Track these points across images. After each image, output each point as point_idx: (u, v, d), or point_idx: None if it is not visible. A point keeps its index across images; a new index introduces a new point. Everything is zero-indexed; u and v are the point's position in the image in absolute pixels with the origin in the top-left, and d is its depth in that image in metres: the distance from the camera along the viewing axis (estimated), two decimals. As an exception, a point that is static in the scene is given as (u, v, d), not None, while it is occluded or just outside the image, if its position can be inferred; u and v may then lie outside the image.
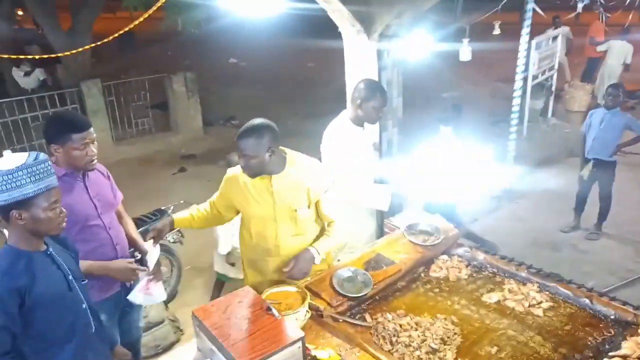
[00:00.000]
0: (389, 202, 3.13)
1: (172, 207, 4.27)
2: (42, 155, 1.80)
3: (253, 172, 2.40)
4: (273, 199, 2.46)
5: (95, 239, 2.45)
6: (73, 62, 8.93)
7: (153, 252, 2.62)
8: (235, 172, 2.57)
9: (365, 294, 2.44)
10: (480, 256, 2.79)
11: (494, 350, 2.11)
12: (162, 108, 8.92)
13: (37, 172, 1.76)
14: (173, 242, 4.20)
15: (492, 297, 2.46)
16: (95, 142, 2.44)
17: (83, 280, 2.02)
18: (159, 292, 2.61)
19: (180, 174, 7.36)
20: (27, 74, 9.90)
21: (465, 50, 5.61)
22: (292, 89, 11.78)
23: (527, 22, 6.29)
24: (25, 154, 1.79)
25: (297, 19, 11.60)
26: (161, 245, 4.01)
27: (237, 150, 2.36)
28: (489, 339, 2.18)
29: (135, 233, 2.76)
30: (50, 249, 1.91)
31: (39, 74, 9.95)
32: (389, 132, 3.67)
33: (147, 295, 2.55)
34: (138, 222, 3.72)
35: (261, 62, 14.46)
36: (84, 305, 1.98)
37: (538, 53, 7.42)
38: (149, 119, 8.49)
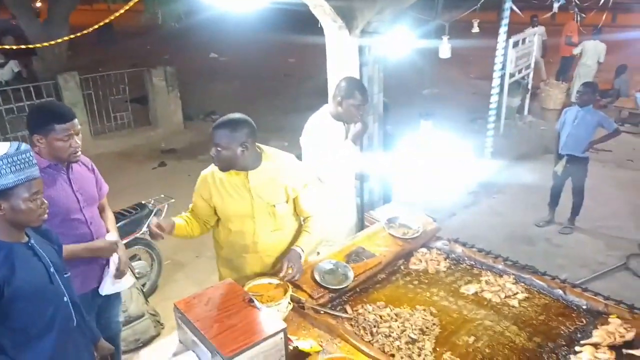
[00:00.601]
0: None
1: (152, 201, 4.23)
2: (24, 146, 1.78)
3: (223, 164, 2.38)
4: (250, 195, 2.43)
5: (75, 233, 2.44)
6: (49, 53, 8.73)
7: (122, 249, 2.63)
8: (207, 171, 2.53)
9: (346, 286, 2.47)
10: (459, 249, 2.85)
11: (471, 339, 2.16)
12: (142, 102, 8.80)
13: (18, 162, 1.73)
14: (153, 237, 4.15)
15: (469, 289, 2.52)
16: (80, 134, 2.41)
17: (65, 273, 1.99)
18: (126, 278, 2.64)
19: (160, 168, 7.29)
20: (0, 65, 9.63)
21: (445, 48, 5.67)
22: (273, 84, 11.74)
23: (505, 21, 6.40)
24: (7, 144, 1.76)
25: (279, 14, 11.54)
26: (142, 239, 4.02)
27: (212, 141, 2.33)
28: (466, 329, 2.23)
29: (112, 227, 2.72)
30: (32, 241, 1.89)
31: (13, 65, 9.68)
32: (370, 127, 3.70)
33: (115, 283, 2.58)
34: (118, 215, 3.67)
35: (242, 57, 14.37)
36: (65, 298, 1.96)
37: (515, 51, 7.55)
38: (128, 113, 8.36)
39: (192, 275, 4.59)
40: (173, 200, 4.41)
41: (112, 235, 2.62)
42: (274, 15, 10.09)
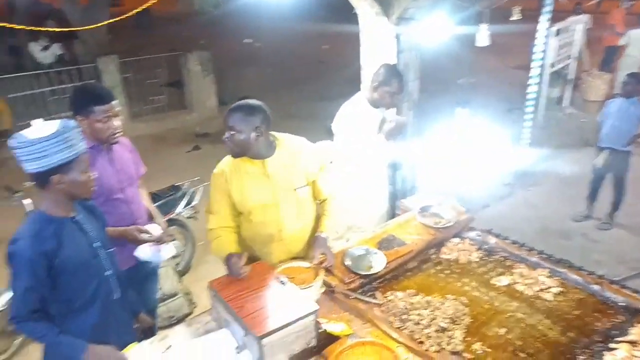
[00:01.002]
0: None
1: (186, 183, 4.32)
2: (72, 122, 1.87)
3: (236, 149, 2.34)
4: (271, 182, 2.40)
5: (116, 212, 2.50)
6: (90, 37, 8.99)
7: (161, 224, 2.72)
8: (219, 168, 2.48)
9: (377, 273, 2.48)
10: (492, 240, 2.81)
11: (502, 331, 2.14)
12: (177, 86, 8.94)
13: (72, 137, 1.82)
14: (188, 218, 4.26)
15: (501, 280, 2.49)
16: (120, 116, 2.47)
17: (109, 248, 2.08)
18: (166, 249, 2.63)
19: (194, 152, 7.42)
20: (44, 48, 9.92)
21: (483, 35, 5.51)
22: (306, 70, 11.73)
23: (548, 9, 6.18)
24: (56, 122, 1.84)
25: (314, 0, 11.52)
26: (176, 220, 4.12)
27: (226, 125, 2.32)
28: (497, 321, 2.21)
29: (148, 203, 2.80)
30: (78, 216, 1.98)
31: (56, 48, 9.97)
32: (404, 115, 3.67)
33: (157, 253, 2.58)
34: (153, 197, 3.77)
35: (276, 43, 14.39)
36: (107, 273, 2.04)
37: (557, 40, 7.30)
38: (164, 96, 8.53)
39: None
40: (207, 183, 4.48)
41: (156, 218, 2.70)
42: (309, 1, 10.06)
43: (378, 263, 2.53)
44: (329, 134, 3.22)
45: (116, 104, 2.43)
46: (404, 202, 3.31)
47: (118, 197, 2.52)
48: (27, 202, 3.35)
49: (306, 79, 10.92)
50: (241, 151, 2.35)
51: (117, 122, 2.44)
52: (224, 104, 9.18)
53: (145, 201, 2.80)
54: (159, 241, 2.58)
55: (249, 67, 11.88)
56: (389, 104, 3.12)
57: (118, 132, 2.46)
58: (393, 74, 3.08)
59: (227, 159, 2.47)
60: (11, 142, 1.79)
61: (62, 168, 1.82)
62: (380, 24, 3.56)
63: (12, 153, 1.81)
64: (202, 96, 8.65)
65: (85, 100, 2.36)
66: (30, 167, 1.80)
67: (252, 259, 2.51)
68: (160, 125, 8.30)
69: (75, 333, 1.96)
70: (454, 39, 3.78)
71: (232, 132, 2.31)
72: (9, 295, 3.20)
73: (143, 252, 2.56)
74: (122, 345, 2.02)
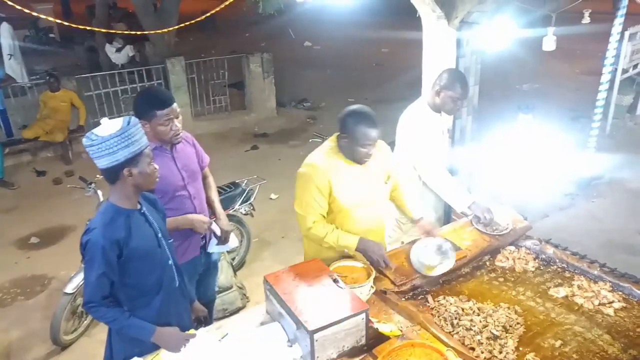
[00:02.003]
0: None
1: (245, 181, 4.46)
2: (134, 119, 1.98)
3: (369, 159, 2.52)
4: (371, 180, 2.59)
5: (182, 208, 2.61)
6: (159, 40, 9.42)
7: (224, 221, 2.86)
8: (320, 165, 2.51)
9: (431, 276, 2.48)
10: (550, 250, 2.73)
11: (557, 343, 2.09)
12: (239, 87, 9.20)
13: (135, 133, 1.94)
14: (245, 214, 4.40)
15: (559, 292, 2.42)
16: (180, 117, 2.55)
17: (170, 239, 2.21)
18: (231, 240, 2.84)
19: (252, 151, 7.62)
20: (118, 50, 10.55)
21: (550, 40, 5.31)
22: (364, 74, 11.73)
23: (622, 12, 5.87)
24: (120, 119, 1.95)
25: (376, 3, 11.49)
26: (233, 216, 4.27)
27: (365, 140, 2.41)
28: (553, 332, 2.16)
29: (214, 194, 2.90)
30: (144, 209, 2.10)
31: (128, 50, 10.57)
32: (463, 120, 3.62)
33: (220, 243, 2.78)
34: (214, 192, 3.93)
35: (335, 46, 14.49)
36: (170, 262, 2.17)
37: (631, 45, 6.91)
38: (225, 97, 8.81)
39: (278, 255, 4.79)
40: (265, 182, 4.63)
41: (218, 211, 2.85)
42: (371, 4, 10.06)
43: (443, 266, 2.52)
44: (387, 137, 3.24)
45: (176, 107, 2.49)
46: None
47: (182, 194, 2.61)
48: (100, 192, 3.59)
49: (364, 82, 10.93)
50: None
51: (178, 124, 2.51)
52: (282, 105, 9.38)
53: (211, 189, 2.90)
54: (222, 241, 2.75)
55: (308, 69, 12.04)
56: (451, 109, 3.10)
57: (180, 133, 2.54)
58: (457, 78, 3.05)
59: (320, 158, 2.54)
60: (84, 140, 1.92)
61: (130, 162, 1.93)
62: (442, 27, 3.54)
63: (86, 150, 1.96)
64: (261, 97, 8.87)
65: (147, 105, 2.44)
66: (102, 163, 1.92)
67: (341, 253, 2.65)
68: (221, 125, 8.58)
69: (141, 318, 2.08)
70: (518, 43, 3.68)
71: (374, 146, 2.46)
72: (79, 278, 3.44)
73: (211, 245, 2.76)
74: (181, 331, 2.14)
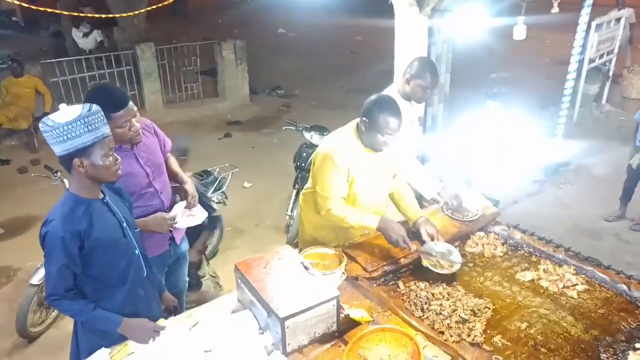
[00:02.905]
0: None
1: (217, 169, 4.41)
2: (95, 107, 1.89)
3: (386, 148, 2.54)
4: (384, 169, 2.65)
5: (149, 204, 2.53)
6: (129, 25, 9.21)
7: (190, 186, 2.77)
8: (341, 150, 2.53)
9: (403, 263, 2.50)
10: (517, 235, 2.79)
11: (523, 325, 2.14)
12: (211, 74, 9.06)
13: (93, 121, 1.85)
14: (217, 203, 4.35)
15: (526, 276, 2.48)
16: (137, 115, 2.41)
17: (136, 229, 2.16)
18: (199, 212, 2.71)
19: (225, 139, 7.53)
20: (85, 34, 10.23)
21: (520, 29, 5.39)
22: (339, 61, 11.69)
23: (588, 2, 5.98)
24: (80, 106, 1.88)
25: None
26: (206, 206, 4.21)
27: (386, 128, 2.43)
28: (519, 315, 2.21)
29: (176, 167, 2.83)
30: (107, 198, 2.04)
31: (96, 35, 10.27)
32: (435, 108, 3.65)
33: (189, 217, 2.66)
34: (185, 181, 3.87)
35: (309, 33, 14.37)
36: (136, 251, 2.13)
37: (597, 35, 7.07)
38: (198, 84, 8.66)
39: (251, 243, 4.78)
40: (237, 170, 4.59)
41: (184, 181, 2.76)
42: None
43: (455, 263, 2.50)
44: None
45: (132, 105, 2.37)
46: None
47: (149, 191, 2.54)
48: (67, 181, 3.49)
49: (338, 69, 10.89)
50: None
51: (137, 123, 2.39)
52: (255, 93, 9.27)
53: (172, 163, 2.82)
54: (189, 206, 2.65)
55: (281, 56, 11.92)
56: (420, 98, 3.11)
57: (139, 133, 2.42)
58: (427, 67, 3.06)
59: (342, 141, 2.58)
60: (41, 125, 1.85)
61: (82, 152, 1.85)
62: (414, 15, 3.54)
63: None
64: (234, 85, 8.75)
65: (101, 108, 2.26)
66: (56, 149, 1.85)
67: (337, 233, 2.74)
68: (194, 112, 8.44)
69: (107, 309, 2.04)
70: (489, 32, 3.72)
71: (392, 135, 2.47)
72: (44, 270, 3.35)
73: (180, 222, 2.63)
74: (151, 321, 2.11)
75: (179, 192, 2.80)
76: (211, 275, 4.03)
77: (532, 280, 2.44)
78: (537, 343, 2.04)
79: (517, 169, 3.87)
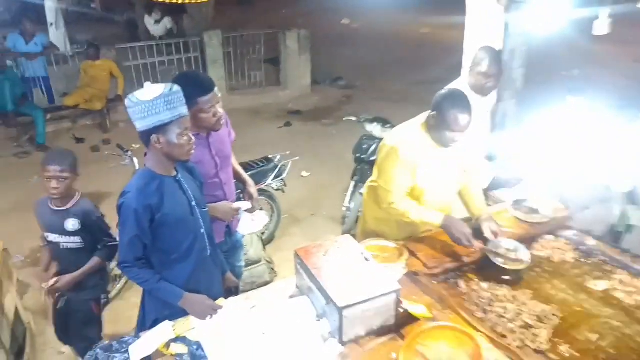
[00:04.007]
0: None
1: (278, 156, 4.47)
2: (176, 87, 1.98)
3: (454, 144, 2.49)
4: (452, 166, 2.57)
5: (212, 194, 2.56)
6: (198, 13, 9.49)
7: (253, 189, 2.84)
8: (407, 138, 2.50)
9: (467, 262, 2.44)
10: (591, 242, 2.64)
11: (594, 337, 2.03)
12: (274, 63, 9.19)
13: (173, 101, 1.94)
14: (276, 189, 4.42)
15: (598, 285, 2.34)
16: (221, 102, 2.42)
17: (204, 208, 2.23)
18: (260, 218, 2.76)
19: (285, 128, 7.62)
20: (157, 22, 10.64)
21: (602, 23, 5.05)
22: (403, 54, 11.52)
23: (683, -4, 5.52)
24: (163, 85, 1.97)
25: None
26: (265, 191, 4.29)
27: (455, 125, 2.35)
28: (589, 326, 2.10)
29: (237, 166, 2.87)
30: (180, 176, 2.13)
31: (167, 22, 10.65)
32: (505, 103, 3.51)
33: (252, 223, 2.72)
34: (246, 166, 3.95)
35: (373, 24, 14.25)
36: (202, 230, 2.20)
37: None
38: (261, 72, 8.82)
39: (307, 231, 4.82)
40: (297, 158, 4.63)
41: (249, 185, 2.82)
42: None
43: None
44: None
45: (217, 91, 2.38)
46: (496, 193, 3.20)
47: (214, 181, 2.57)
48: (136, 160, 3.66)
49: (402, 62, 10.73)
50: None
51: (220, 110, 2.40)
52: (317, 83, 9.32)
53: (235, 163, 2.86)
54: (250, 211, 2.69)
55: (343, 47, 11.90)
56: (482, 88, 3.00)
57: (222, 120, 2.44)
58: (488, 54, 2.95)
59: (409, 134, 2.53)
60: (126, 101, 1.96)
61: (160, 129, 1.94)
62: (488, 6, 3.41)
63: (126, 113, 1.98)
64: (297, 74, 8.83)
65: (189, 92, 2.21)
66: (138, 125, 1.96)
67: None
68: (255, 100, 8.60)
69: (171, 282, 2.13)
70: (570, 25, 3.50)
71: (460, 132, 2.42)
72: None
73: (242, 227, 2.70)
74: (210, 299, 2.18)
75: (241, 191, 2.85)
76: (267, 260, 4.11)
77: (606, 290, 2.31)
78: (609, 357, 1.93)
79: (591, 172, 3.65)
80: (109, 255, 2.72)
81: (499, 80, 3.04)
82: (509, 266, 2.34)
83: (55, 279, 2.60)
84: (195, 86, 2.29)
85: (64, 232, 2.58)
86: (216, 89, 2.38)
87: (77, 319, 2.78)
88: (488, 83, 2.98)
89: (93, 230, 2.65)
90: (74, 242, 2.61)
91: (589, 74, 9.01)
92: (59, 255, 2.68)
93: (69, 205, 2.58)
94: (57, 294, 2.70)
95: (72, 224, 2.56)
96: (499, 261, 2.35)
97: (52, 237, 2.62)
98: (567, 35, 5.23)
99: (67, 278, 2.61)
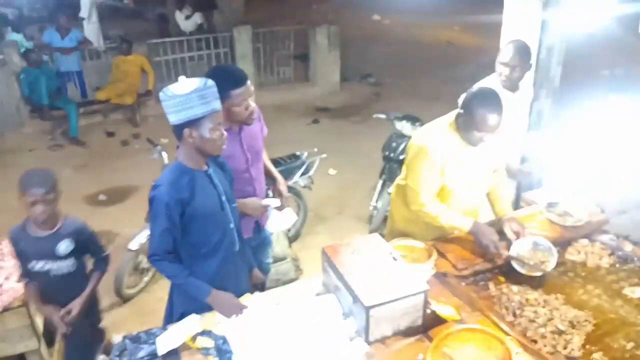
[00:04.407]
0: None
1: (306, 154, 4.49)
2: (210, 81, 2.01)
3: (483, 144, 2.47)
4: (482, 166, 2.56)
5: (242, 189, 2.56)
6: (227, 8, 9.59)
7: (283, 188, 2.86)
8: (436, 137, 2.48)
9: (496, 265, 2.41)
10: (629, 247, 2.58)
11: (629, 345, 1.99)
12: (303, 59, 9.21)
13: (207, 95, 1.97)
14: (303, 187, 4.45)
15: (635, 292, 2.29)
16: (253, 95, 2.42)
17: (234, 203, 2.27)
18: (289, 215, 2.75)
19: (313, 125, 7.64)
20: (187, 17, 10.81)
21: (646, 20, 4.91)
22: (434, 52, 11.39)
23: None
24: (197, 79, 2.00)
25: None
26: (292, 188, 4.32)
27: (483, 125, 2.33)
28: (624, 333, 2.05)
29: (268, 162, 2.89)
30: (210, 170, 2.16)
31: (197, 18, 10.80)
32: (541, 102, 3.43)
33: (281, 221, 2.73)
34: (275, 162, 3.98)
35: (405, 21, 14.12)
36: (231, 225, 2.24)
37: None
38: (290, 68, 8.86)
39: (333, 230, 4.83)
40: (325, 156, 4.65)
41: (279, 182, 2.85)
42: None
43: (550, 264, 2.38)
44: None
45: (250, 84, 2.37)
46: (529, 194, 3.15)
47: (245, 176, 2.57)
48: (165, 154, 3.74)
49: (433, 60, 10.61)
50: None
51: (252, 104, 2.40)
52: (346, 80, 9.30)
53: (267, 159, 2.87)
54: (279, 208, 2.67)
55: (373, 44, 11.82)
56: (506, 80, 2.96)
57: (254, 113, 2.44)
58: (512, 45, 2.92)
59: (437, 133, 2.52)
60: (161, 94, 2.00)
61: (193, 123, 1.97)
62: (525, 2, 3.34)
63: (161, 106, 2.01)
64: (326, 70, 8.83)
65: (221, 83, 2.22)
66: (171, 118, 1.99)
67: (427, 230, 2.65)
68: (284, 96, 8.63)
69: (199, 277, 2.17)
70: (614, 21, 3.39)
71: (489, 132, 2.38)
72: (142, 236, 3.63)
73: (272, 227, 2.73)
74: (238, 295, 2.21)
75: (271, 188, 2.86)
76: (292, 258, 4.14)
77: (643, 297, 2.25)
78: (645, 366, 1.89)
79: (630, 175, 3.54)
80: (106, 267, 2.63)
81: (524, 73, 2.99)
82: (527, 272, 2.32)
83: (65, 310, 2.41)
84: (228, 79, 2.31)
85: (55, 257, 2.40)
86: (249, 82, 2.38)
87: (79, 347, 2.54)
88: (512, 74, 2.93)
89: (88, 246, 2.53)
90: (67, 265, 2.45)
91: (634, 73, 8.73)
92: (47, 286, 2.44)
93: (57, 227, 2.41)
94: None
95: (65, 246, 2.40)
96: (517, 267, 2.34)
97: (40, 266, 2.41)
98: (611, 33, 5.06)
99: (78, 303, 2.45)
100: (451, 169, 2.48)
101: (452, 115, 2.54)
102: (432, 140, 2.47)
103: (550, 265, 2.35)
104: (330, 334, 2.00)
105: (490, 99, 2.36)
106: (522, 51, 2.95)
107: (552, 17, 3.31)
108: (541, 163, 3.31)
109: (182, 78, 2.03)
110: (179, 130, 2.01)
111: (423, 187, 2.49)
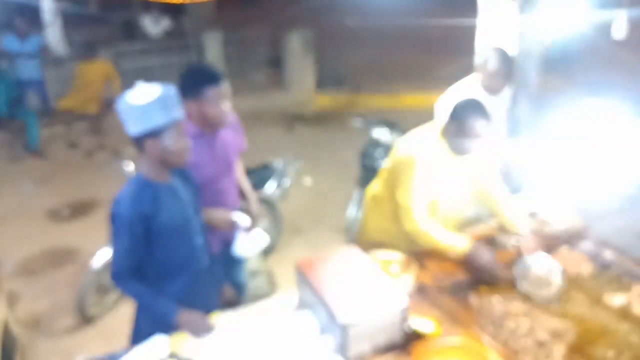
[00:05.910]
0: None
1: (279, 162, 4.46)
2: (171, 88, 1.95)
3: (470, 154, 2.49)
4: (465, 176, 2.60)
5: (214, 200, 2.48)
6: (197, 12, 9.55)
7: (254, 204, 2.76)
8: (424, 148, 2.47)
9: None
10: (609, 254, 2.63)
11: (610, 353, 2.02)
12: (276, 64, 9.22)
13: (169, 104, 1.91)
14: (277, 197, 4.41)
15: (615, 299, 2.33)
16: (229, 100, 2.36)
17: (200, 216, 2.22)
18: (259, 237, 2.55)
19: (287, 132, 7.64)
20: (154, 22, 10.73)
21: (620, 26, 5.04)
22: (411, 56, 11.54)
23: None
24: (157, 86, 1.94)
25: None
26: (265, 200, 4.28)
27: (472, 132, 2.36)
28: (606, 341, 2.08)
29: (242, 177, 2.81)
30: (175, 182, 2.11)
31: (165, 22, 10.74)
32: (519, 108, 3.50)
33: (250, 243, 2.53)
34: (246, 172, 3.94)
35: (381, 26, 14.26)
36: (199, 240, 2.20)
37: None
38: (262, 74, 8.85)
39: (309, 242, 4.81)
40: (299, 163, 4.64)
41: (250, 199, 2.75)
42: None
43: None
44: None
45: (225, 85, 2.32)
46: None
47: (215, 186, 2.49)
48: (132, 166, 3.67)
49: (409, 64, 10.75)
50: None
51: (228, 105, 2.35)
52: (321, 86, 9.33)
53: (239, 170, 2.79)
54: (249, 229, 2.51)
55: (348, 48, 11.90)
56: (488, 86, 3.07)
57: (226, 117, 2.37)
58: (495, 52, 3.03)
59: (425, 143, 2.50)
60: (117, 103, 1.93)
61: (154, 133, 1.90)
62: (501, 6, 3.41)
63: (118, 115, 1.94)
64: (300, 76, 8.84)
65: (196, 81, 2.27)
66: (130, 129, 1.92)
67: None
68: (257, 103, 8.59)
69: (166, 294, 2.12)
70: (589, 27, 3.50)
71: (478, 140, 2.41)
72: (106, 254, 3.54)
73: (239, 249, 2.51)
74: (207, 313, 2.16)
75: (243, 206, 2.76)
76: (267, 272, 4.09)
77: (623, 304, 2.29)
78: (627, 375, 1.92)
79: (609, 180, 3.62)
80: None
81: (508, 80, 3.09)
82: (534, 295, 2.31)
83: None
84: (203, 76, 2.28)
85: None
86: (225, 82, 2.33)
87: None
88: (497, 82, 3.03)
89: None
90: None
91: (604, 80, 8.98)
92: None
93: None
94: None
95: None
96: (524, 287, 2.34)
97: None
98: (586, 39, 5.21)
99: None
100: (438, 179, 2.50)
101: (438, 125, 2.55)
102: (421, 150, 2.46)
103: (555, 286, 2.35)
104: (306, 351, 1.98)
105: (480, 108, 2.41)
106: (508, 60, 3.05)
107: (528, 23, 3.38)
108: (520, 168, 3.36)
109: (139, 85, 1.96)
110: (139, 141, 1.95)
111: (415, 202, 2.44)
